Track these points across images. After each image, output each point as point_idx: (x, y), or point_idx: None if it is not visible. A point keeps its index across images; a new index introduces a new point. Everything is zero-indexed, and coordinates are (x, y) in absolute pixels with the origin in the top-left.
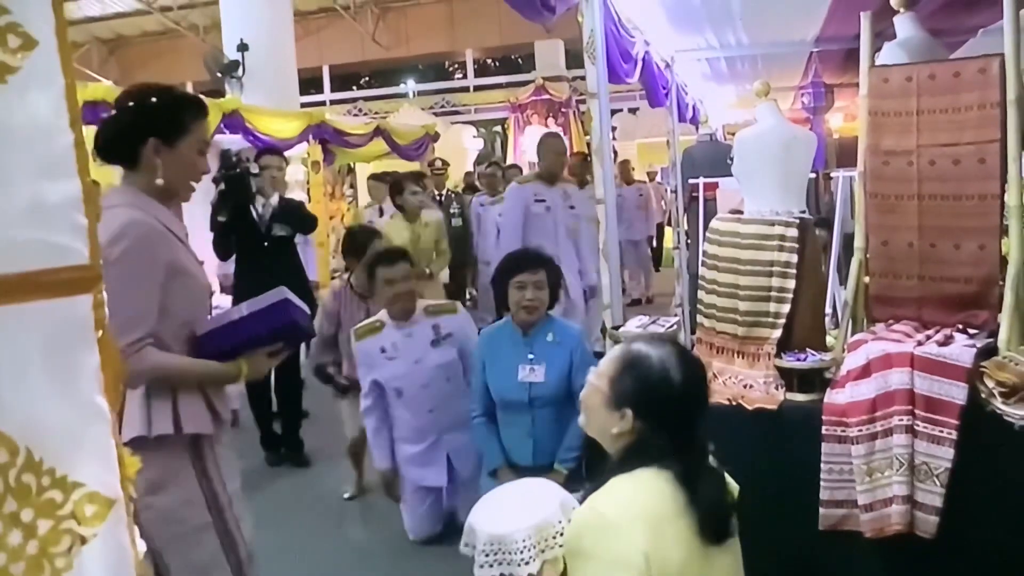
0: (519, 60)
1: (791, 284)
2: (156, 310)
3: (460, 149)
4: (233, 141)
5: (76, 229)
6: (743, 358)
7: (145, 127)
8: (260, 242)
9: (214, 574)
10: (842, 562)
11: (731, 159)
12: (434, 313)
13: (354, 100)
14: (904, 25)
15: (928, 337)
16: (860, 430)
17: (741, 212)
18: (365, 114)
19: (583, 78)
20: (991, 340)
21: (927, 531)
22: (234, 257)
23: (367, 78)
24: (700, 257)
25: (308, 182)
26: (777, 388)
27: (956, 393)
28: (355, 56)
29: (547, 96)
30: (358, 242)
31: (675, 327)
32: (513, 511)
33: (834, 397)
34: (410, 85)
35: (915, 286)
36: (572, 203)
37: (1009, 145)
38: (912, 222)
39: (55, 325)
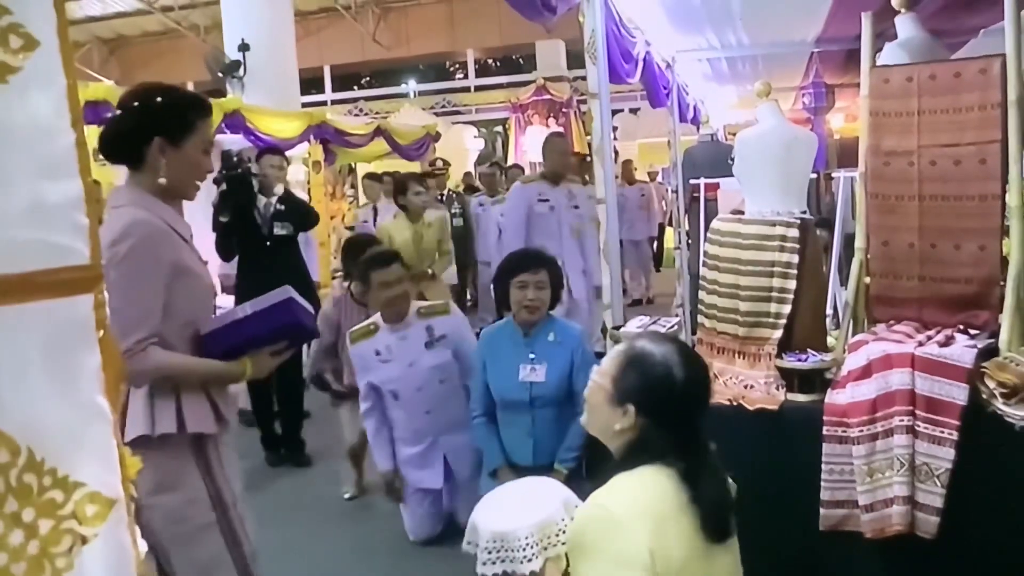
0: (520, 60)
1: (792, 284)
2: (160, 309)
3: (461, 149)
4: (234, 141)
5: (77, 229)
6: (744, 358)
7: (150, 127)
8: (262, 242)
9: (219, 573)
10: (843, 562)
11: (732, 159)
12: (427, 315)
13: (355, 100)
14: (905, 25)
15: (929, 338)
16: (861, 430)
17: (742, 212)
18: (366, 114)
19: (584, 78)
20: (992, 341)
21: (928, 532)
22: (236, 257)
23: (368, 78)
24: (701, 257)
25: (309, 182)
26: (778, 388)
27: (957, 394)
28: (356, 56)
29: (548, 96)
30: (358, 251)
31: (676, 327)
32: (516, 509)
33: (835, 397)
34: (411, 85)
35: (916, 287)
36: (576, 203)
37: (1010, 146)
38: (913, 223)
39: (56, 325)
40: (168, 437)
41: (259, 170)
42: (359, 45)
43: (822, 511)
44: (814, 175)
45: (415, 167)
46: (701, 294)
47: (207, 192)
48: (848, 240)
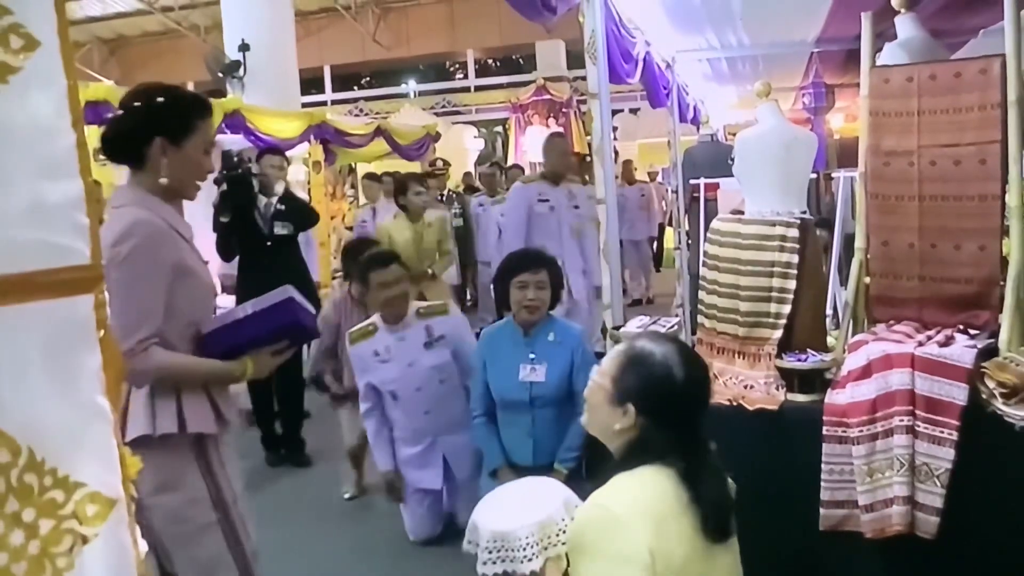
0: (520, 60)
1: (792, 285)
2: (162, 309)
3: (461, 149)
4: (234, 141)
5: (77, 229)
6: (744, 359)
7: (151, 127)
8: (263, 242)
9: (221, 572)
10: (843, 563)
11: (732, 159)
12: (426, 315)
13: (355, 100)
14: (905, 26)
15: (929, 338)
16: (861, 431)
17: (742, 212)
18: (366, 114)
19: (584, 78)
20: (992, 341)
21: (928, 532)
22: (237, 257)
23: (368, 78)
24: (701, 257)
25: (309, 182)
26: (778, 389)
27: (957, 394)
28: (356, 56)
29: (548, 96)
30: (359, 253)
31: (676, 328)
32: (517, 508)
33: (835, 398)
34: (411, 85)
35: (916, 287)
36: (577, 203)
37: (1010, 146)
38: (913, 223)
39: (56, 325)
40: (169, 437)
41: (259, 170)
42: (359, 45)
43: (822, 511)
44: (814, 175)
45: (415, 167)
46: (701, 294)
47: (207, 192)
48: (848, 240)
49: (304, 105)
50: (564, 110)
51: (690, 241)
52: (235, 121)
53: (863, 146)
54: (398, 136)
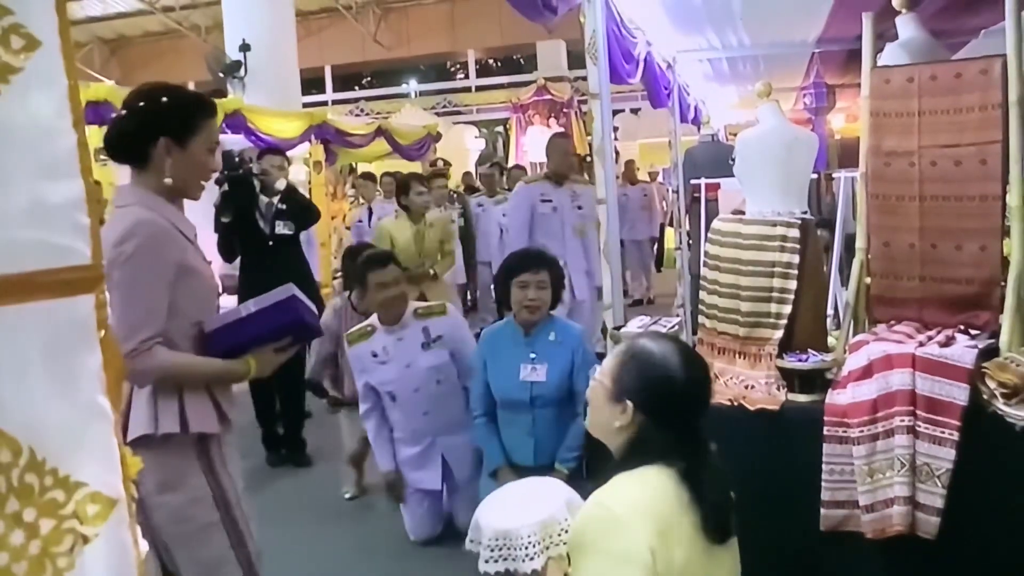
0: (521, 60)
1: (792, 285)
2: (165, 309)
3: (462, 149)
4: (235, 141)
5: (78, 229)
6: (744, 359)
7: (156, 127)
8: (264, 242)
9: (224, 571)
10: (843, 563)
11: (733, 160)
12: (424, 316)
13: (356, 100)
14: (906, 26)
15: (929, 338)
16: (861, 431)
17: (743, 213)
18: (367, 114)
19: (585, 78)
20: (992, 341)
21: (928, 532)
22: (238, 257)
23: (369, 78)
24: (702, 258)
25: (310, 182)
26: (778, 389)
27: (957, 394)
28: (357, 56)
29: (549, 96)
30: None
31: (677, 328)
32: (519, 507)
33: (835, 398)
34: (412, 85)
35: (916, 287)
36: (580, 203)
37: (1011, 146)
38: (914, 223)
39: (57, 325)
40: (171, 437)
41: (260, 170)
42: (360, 45)
43: (822, 511)
44: (815, 175)
45: (416, 167)
46: (702, 294)
47: (208, 192)
48: (849, 240)
49: (305, 105)
50: (565, 110)
51: (691, 241)
52: (236, 121)
53: (864, 146)
54: (399, 136)
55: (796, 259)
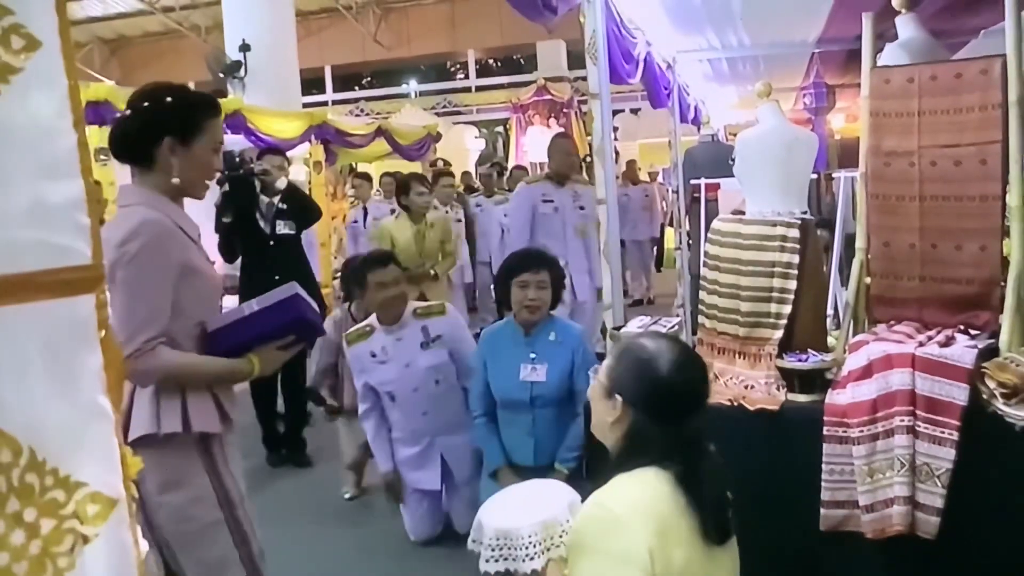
0: (521, 60)
1: (792, 285)
2: (169, 309)
3: (462, 149)
4: (235, 142)
5: (78, 229)
6: (744, 359)
7: (160, 127)
8: (265, 242)
9: (227, 570)
10: (843, 563)
11: (733, 160)
12: (423, 315)
13: (356, 100)
14: (906, 26)
15: (929, 338)
16: (861, 431)
17: (743, 213)
18: (367, 114)
19: (585, 78)
20: (992, 341)
21: (928, 532)
22: (239, 258)
23: (369, 78)
24: (702, 258)
25: (310, 182)
26: (778, 389)
27: (957, 394)
28: (357, 56)
29: (549, 96)
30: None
31: (677, 328)
32: (521, 508)
33: (835, 398)
34: (412, 85)
35: (916, 287)
36: (582, 203)
37: (1011, 146)
38: (914, 223)
39: (57, 325)
40: (173, 436)
41: (260, 170)
42: (360, 45)
43: (822, 511)
44: (815, 175)
45: (416, 167)
46: (702, 294)
47: (209, 192)
48: (849, 240)
49: (305, 105)
50: (565, 110)
51: (691, 241)
52: (236, 121)
53: (864, 146)
54: (399, 136)
55: (796, 259)
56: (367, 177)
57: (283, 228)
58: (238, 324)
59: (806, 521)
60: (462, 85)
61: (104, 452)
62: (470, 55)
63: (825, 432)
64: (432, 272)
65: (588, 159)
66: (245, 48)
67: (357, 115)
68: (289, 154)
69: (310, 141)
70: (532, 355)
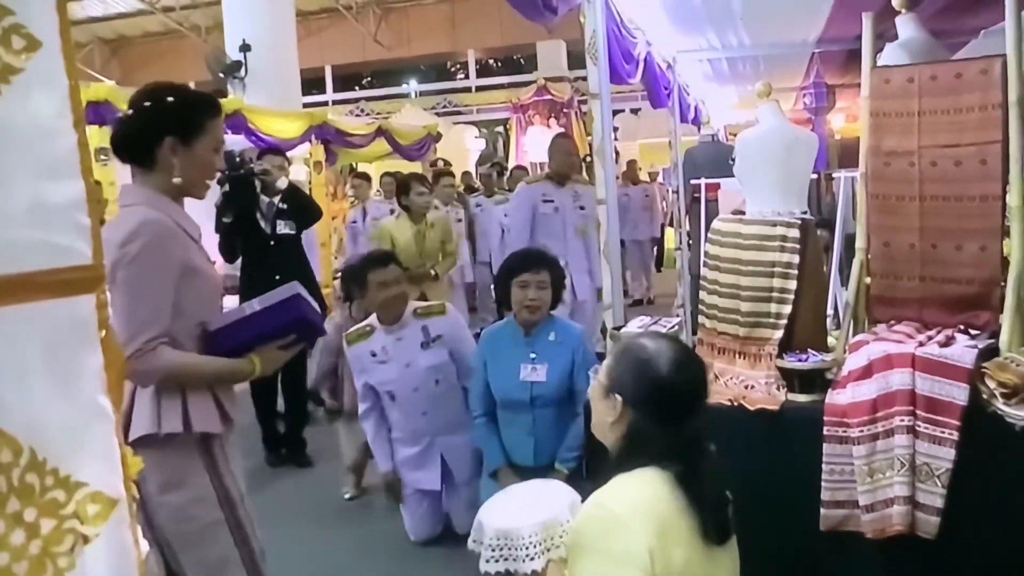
0: (521, 60)
1: (792, 285)
2: (170, 309)
3: (462, 149)
4: (236, 142)
5: (79, 229)
6: (744, 359)
7: (162, 127)
8: (266, 242)
9: (228, 570)
10: (843, 563)
11: (733, 160)
12: (423, 315)
13: (356, 100)
14: (906, 26)
15: (929, 338)
16: (861, 431)
17: (743, 213)
18: (367, 114)
19: (585, 78)
20: (992, 341)
21: (928, 532)
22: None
23: (369, 78)
24: (702, 258)
25: (310, 182)
26: (778, 389)
27: (957, 394)
28: (357, 56)
29: (549, 96)
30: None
31: (677, 328)
32: (522, 508)
33: (835, 398)
34: (412, 85)
35: (916, 287)
36: (582, 203)
37: (1011, 146)
38: (914, 223)
39: (57, 325)
40: (174, 436)
41: (261, 170)
42: (360, 45)
43: (822, 511)
44: (815, 175)
45: (416, 167)
46: (702, 294)
47: (209, 192)
48: (849, 240)
49: (305, 105)
50: (565, 110)
51: (691, 241)
52: (236, 121)
53: (864, 146)
54: (399, 136)
55: (796, 259)
56: (366, 177)
57: (283, 228)
58: (239, 324)
59: (806, 521)
60: (462, 85)
61: (104, 452)
62: (470, 55)
63: (825, 432)
64: (432, 272)
65: (588, 159)
66: (245, 48)
67: (357, 115)
68: (289, 154)
69: (310, 141)
70: (532, 355)
